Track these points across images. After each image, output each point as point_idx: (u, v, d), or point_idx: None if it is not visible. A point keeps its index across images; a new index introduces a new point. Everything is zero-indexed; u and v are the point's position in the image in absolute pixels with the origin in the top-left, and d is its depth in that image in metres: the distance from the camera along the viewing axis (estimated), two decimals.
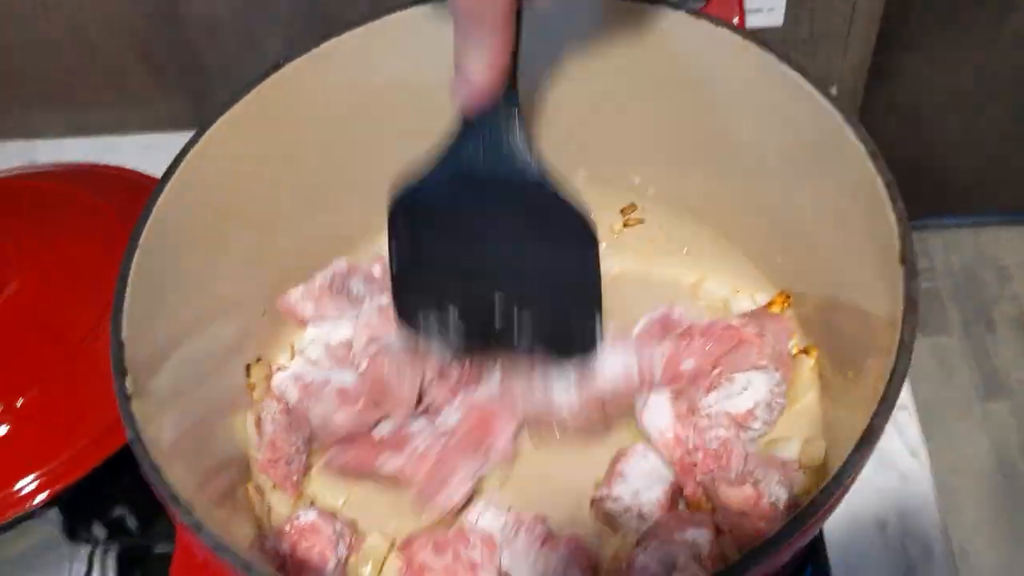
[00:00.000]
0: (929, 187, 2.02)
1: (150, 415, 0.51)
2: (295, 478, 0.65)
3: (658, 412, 0.62)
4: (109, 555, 0.70)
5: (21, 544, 0.68)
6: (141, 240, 0.56)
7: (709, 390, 0.62)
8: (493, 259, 0.60)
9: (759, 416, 0.61)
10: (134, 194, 0.84)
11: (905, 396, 0.70)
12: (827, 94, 0.55)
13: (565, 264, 0.59)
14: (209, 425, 0.62)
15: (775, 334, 0.63)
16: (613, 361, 0.62)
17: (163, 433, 0.52)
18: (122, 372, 0.51)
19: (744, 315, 0.65)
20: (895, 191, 0.51)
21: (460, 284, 0.61)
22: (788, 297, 0.67)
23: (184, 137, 0.90)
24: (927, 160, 1.95)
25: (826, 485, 0.44)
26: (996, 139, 1.89)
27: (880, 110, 1.79)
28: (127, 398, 0.50)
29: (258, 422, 0.66)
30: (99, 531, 0.72)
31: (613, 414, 0.64)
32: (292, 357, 0.72)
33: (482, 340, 0.63)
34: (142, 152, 0.93)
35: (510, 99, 0.53)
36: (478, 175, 0.56)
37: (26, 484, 0.65)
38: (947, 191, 2.04)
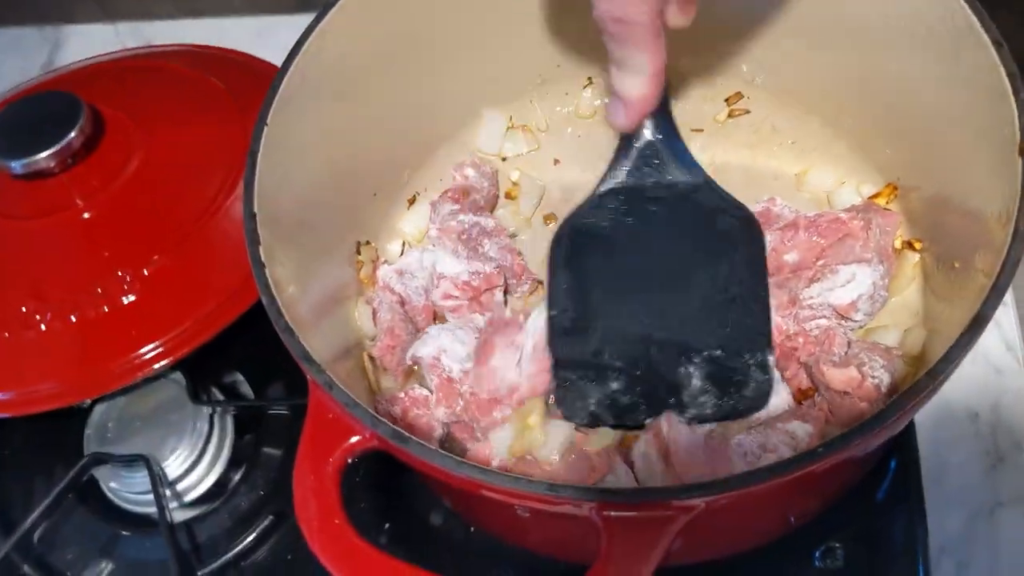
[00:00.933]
0: None
1: (281, 282, 0.54)
2: (406, 365, 0.67)
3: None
4: (227, 415, 0.75)
5: (151, 401, 0.73)
6: (269, 118, 0.58)
7: (812, 281, 0.63)
8: (656, 284, 0.59)
9: (861, 308, 0.62)
10: (246, 74, 0.87)
11: (1007, 293, 0.70)
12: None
13: (734, 270, 0.58)
14: (328, 296, 0.65)
15: (881, 227, 0.63)
16: None
17: (292, 299, 0.55)
18: (255, 241, 0.54)
19: (851, 208, 0.65)
20: (1018, 82, 0.50)
21: (620, 326, 0.59)
22: (895, 189, 0.67)
23: (289, 21, 0.93)
24: None
25: (933, 367, 0.45)
26: None
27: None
28: (262, 265, 0.53)
29: (374, 311, 0.69)
30: (218, 394, 0.77)
31: None
32: (402, 244, 0.75)
33: (647, 408, 0.59)
34: (252, 35, 0.96)
35: (665, 107, 0.56)
36: (644, 188, 0.58)
37: (153, 348, 0.69)
38: None
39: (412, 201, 0.76)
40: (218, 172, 0.76)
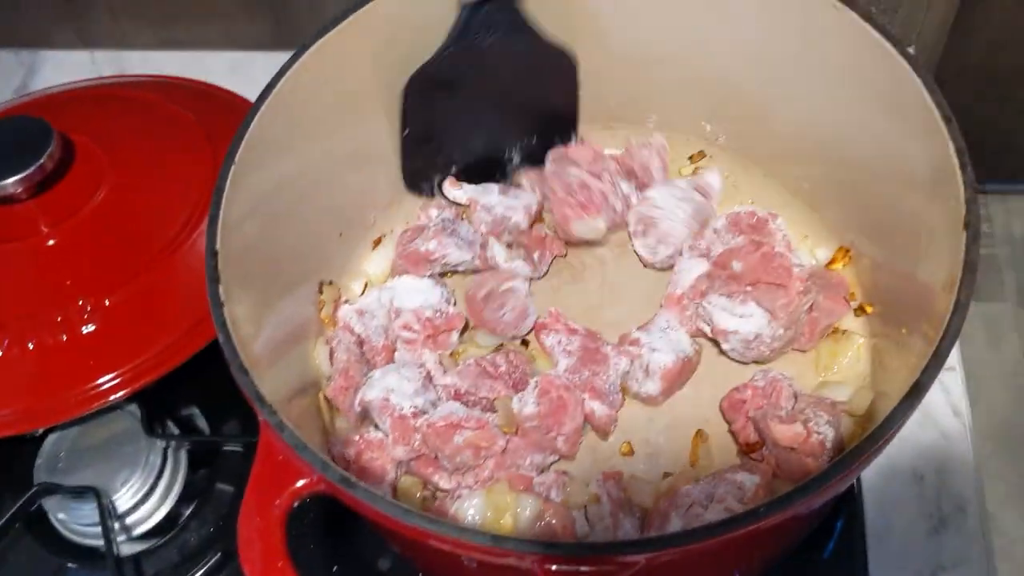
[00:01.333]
0: (995, 152, 1.99)
1: (239, 320, 0.54)
2: (360, 408, 0.67)
3: (687, 269, 0.69)
4: (182, 449, 0.75)
5: (105, 432, 0.73)
6: (237, 155, 0.59)
7: (727, 294, 0.66)
8: (490, 111, 0.73)
9: (730, 342, 0.66)
10: (219, 108, 0.88)
11: (954, 357, 0.72)
12: (905, 54, 0.56)
13: (552, 94, 0.74)
14: (287, 335, 0.65)
15: (818, 306, 0.65)
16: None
17: (249, 338, 0.55)
18: (215, 279, 0.55)
19: (809, 273, 0.66)
20: (965, 158, 0.52)
21: (461, 143, 0.75)
22: (848, 252, 0.68)
23: (265, 57, 0.94)
24: (995, 124, 1.91)
25: (874, 430, 0.46)
26: None
27: (952, 69, 1.76)
28: (220, 304, 0.54)
29: (331, 351, 0.69)
30: (173, 428, 0.76)
31: None
32: (364, 285, 0.76)
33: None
34: (226, 69, 0.97)
35: None
36: (477, 46, 0.68)
37: (110, 379, 0.69)
38: (1014, 156, 2.00)
39: (377, 242, 0.77)
40: (186, 205, 0.77)
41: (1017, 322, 1.98)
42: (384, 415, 0.63)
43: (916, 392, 0.48)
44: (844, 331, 0.67)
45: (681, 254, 0.71)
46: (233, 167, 0.59)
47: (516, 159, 0.77)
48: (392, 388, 0.64)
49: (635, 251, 0.73)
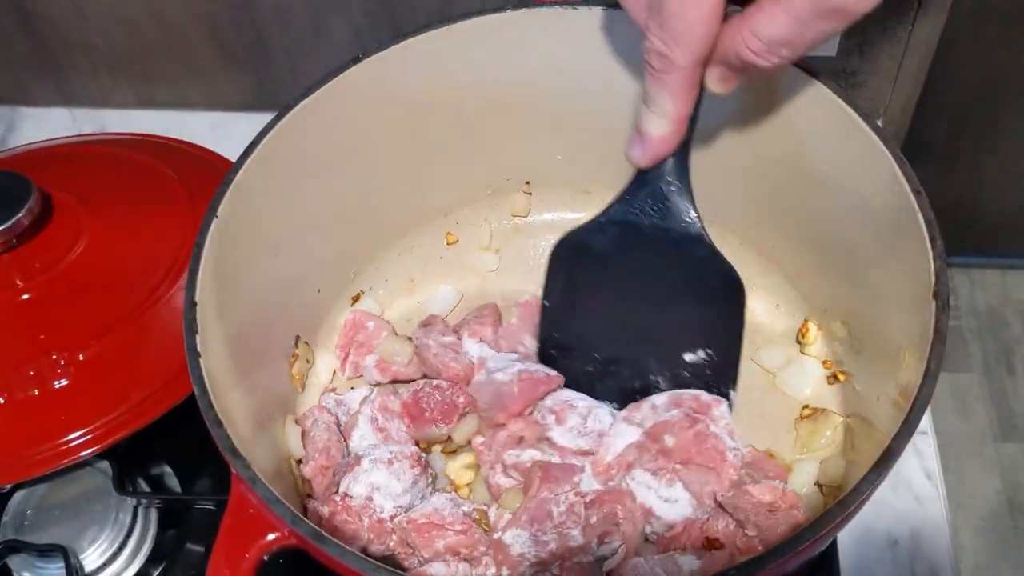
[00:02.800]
0: (960, 225, 2.04)
1: (215, 373, 0.55)
2: (335, 489, 0.65)
3: (619, 434, 0.65)
4: (152, 509, 0.74)
5: (74, 489, 0.72)
6: (219, 211, 0.60)
7: (653, 471, 0.64)
8: (640, 311, 0.67)
9: (653, 526, 0.63)
10: (199, 166, 0.88)
11: (926, 422, 0.72)
12: (875, 127, 0.58)
13: (710, 321, 0.65)
14: (262, 391, 0.65)
15: (768, 472, 0.64)
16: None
17: (224, 391, 0.55)
18: (193, 331, 0.55)
19: (742, 460, 0.64)
20: (935, 230, 0.54)
21: (604, 334, 0.68)
22: (818, 327, 0.71)
23: (246, 118, 0.95)
24: (959, 198, 1.96)
25: (847, 496, 0.47)
26: None
27: (918, 144, 1.81)
28: (197, 355, 0.54)
29: (304, 432, 0.68)
30: (144, 485, 0.75)
31: None
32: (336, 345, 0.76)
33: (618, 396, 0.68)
34: (207, 129, 0.97)
35: (682, 159, 0.59)
36: (642, 227, 0.62)
37: (81, 435, 0.69)
38: (977, 231, 2.05)
39: (356, 298, 0.77)
40: (163, 262, 0.77)
41: (983, 392, 2.01)
42: (363, 515, 0.62)
43: (888, 457, 0.49)
44: (822, 410, 0.67)
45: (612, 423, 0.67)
46: (215, 221, 0.59)
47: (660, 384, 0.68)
48: (378, 486, 0.63)
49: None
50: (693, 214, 0.61)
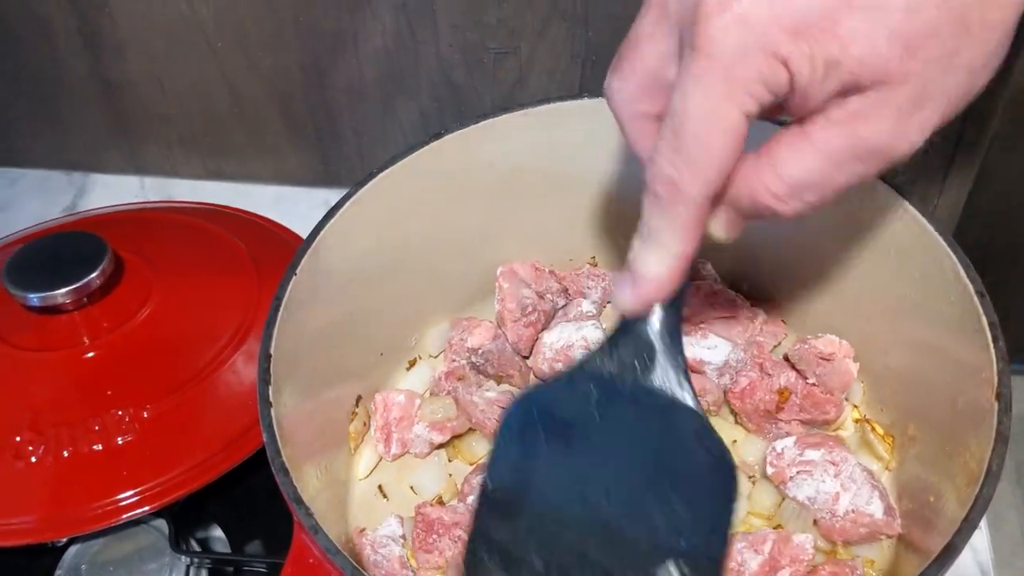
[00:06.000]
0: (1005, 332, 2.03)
1: (282, 423, 0.57)
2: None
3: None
4: (203, 568, 0.74)
5: (129, 547, 0.73)
6: (298, 268, 0.63)
7: (686, 334, 0.72)
8: (608, 500, 0.50)
9: (708, 372, 0.74)
10: (265, 237, 0.92)
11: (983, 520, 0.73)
12: (943, 232, 0.60)
13: (690, 514, 0.49)
14: (321, 446, 0.67)
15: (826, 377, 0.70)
16: None
17: (290, 442, 0.57)
18: (266, 381, 0.57)
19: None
20: (997, 331, 0.55)
21: (557, 533, 0.51)
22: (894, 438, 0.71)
23: (309, 193, 0.99)
24: (1003, 304, 1.96)
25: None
26: None
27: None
28: (268, 404, 0.56)
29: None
30: (196, 546, 0.76)
31: None
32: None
33: None
34: (271, 202, 1.01)
35: (675, 312, 0.50)
36: (620, 387, 0.51)
37: (140, 492, 0.70)
38: (1009, 335, 2.05)
39: (413, 363, 0.80)
40: (228, 327, 0.79)
41: (1016, 500, 1.98)
42: None
43: (948, 554, 0.49)
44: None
45: None
46: (294, 278, 0.63)
47: None
48: None
49: None
50: (682, 376, 0.50)
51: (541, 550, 0.50)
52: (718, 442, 0.50)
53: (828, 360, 0.69)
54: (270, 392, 0.57)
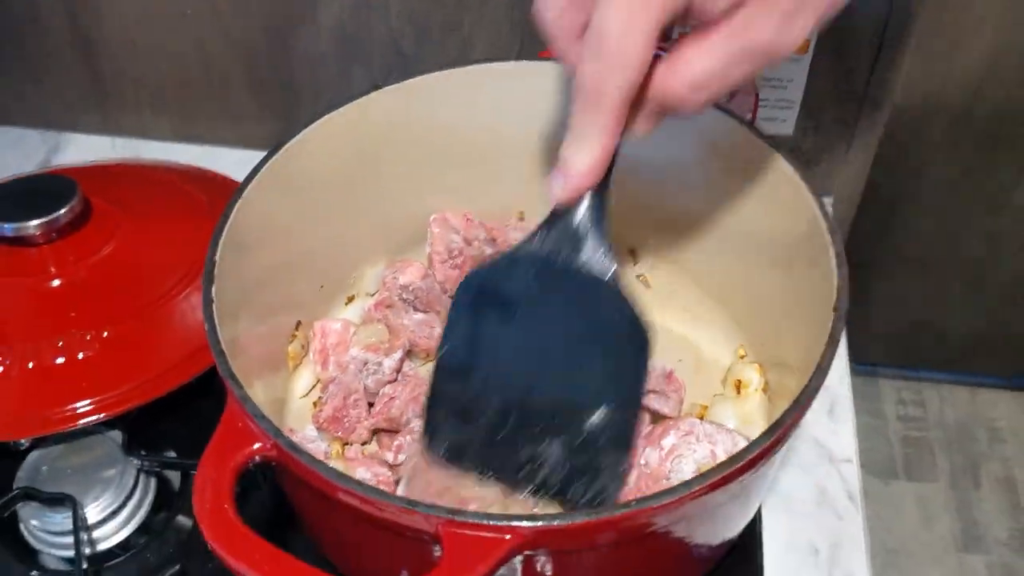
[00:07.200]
0: (931, 342, 2.13)
1: (223, 317, 0.65)
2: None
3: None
4: (151, 479, 0.81)
5: (86, 455, 0.80)
6: (244, 193, 0.73)
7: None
8: (544, 360, 0.62)
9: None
10: (225, 190, 0.97)
11: (851, 451, 0.81)
12: (821, 205, 0.68)
13: (612, 370, 0.61)
14: (260, 355, 0.76)
15: None
16: None
17: (228, 332, 0.65)
18: (210, 280, 0.66)
19: None
20: (843, 259, 0.64)
21: (502, 390, 0.62)
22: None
23: None
24: (930, 316, 2.06)
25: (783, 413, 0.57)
26: (998, 304, 2.00)
27: (892, 261, 1.92)
28: (211, 300, 0.65)
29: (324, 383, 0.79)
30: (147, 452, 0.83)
31: None
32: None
33: (504, 473, 0.64)
34: (235, 164, 1.07)
35: (601, 198, 0.57)
36: (554, 266, 0.59)
37: (97, 400, 0.77)
38: (945, 348, 2.14)
39: (350, 299, 0.88)
40: (185, 264, 0.86)
41: (949, 503, 2.06)
42: None
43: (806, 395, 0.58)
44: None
45: None
46: (239, 201, 0.72)
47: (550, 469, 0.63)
48: None
49: None
50: (607, 254, 0.58)
51: (489, 402, 0.62)
52: (635, 307, 0.59)
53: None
54: (213, 291, 0.65)
